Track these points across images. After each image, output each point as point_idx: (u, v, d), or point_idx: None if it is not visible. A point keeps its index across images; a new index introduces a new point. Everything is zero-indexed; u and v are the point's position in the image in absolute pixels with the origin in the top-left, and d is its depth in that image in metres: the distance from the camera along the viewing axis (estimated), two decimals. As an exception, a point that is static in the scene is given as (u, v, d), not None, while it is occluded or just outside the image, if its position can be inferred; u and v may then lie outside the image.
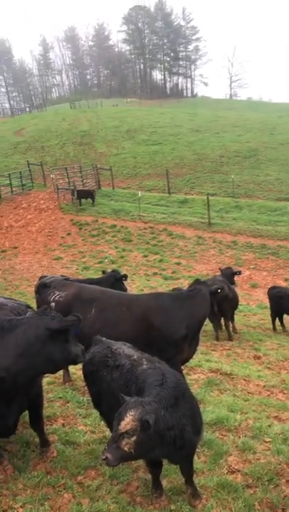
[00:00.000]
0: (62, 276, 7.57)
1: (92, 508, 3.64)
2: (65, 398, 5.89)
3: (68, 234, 23.59)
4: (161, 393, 3.47)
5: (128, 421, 3.18)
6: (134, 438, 3.16)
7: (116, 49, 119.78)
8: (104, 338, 4.56)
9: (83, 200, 27.35)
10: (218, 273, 12.29)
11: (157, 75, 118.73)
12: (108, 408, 4.22)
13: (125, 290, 9.23)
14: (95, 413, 5.01)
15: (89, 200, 27.54)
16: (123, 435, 3.16)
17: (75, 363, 4.19)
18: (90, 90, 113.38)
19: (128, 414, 3.20)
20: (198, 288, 5.98)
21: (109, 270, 10.53)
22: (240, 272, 12.54)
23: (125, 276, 9.53)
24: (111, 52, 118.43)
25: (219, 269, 12.81)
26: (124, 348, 4.30)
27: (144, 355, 4.19)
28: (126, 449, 3.16)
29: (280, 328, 11.78)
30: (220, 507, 3.74)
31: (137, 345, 5.27)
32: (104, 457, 3.16)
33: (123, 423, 3.18)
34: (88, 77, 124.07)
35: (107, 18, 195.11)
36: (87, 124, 51.58)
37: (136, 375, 3.87)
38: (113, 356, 4.18)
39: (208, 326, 10.25)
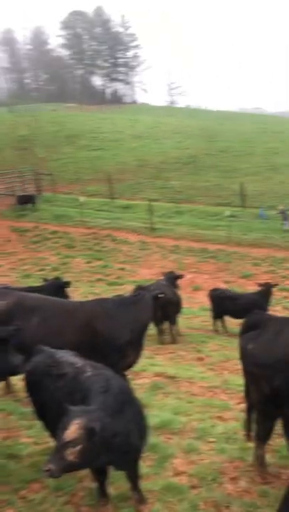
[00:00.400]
0: (1, 284, 7.35)
1: (36, 523, 3.54)
2: (7, 410, 5.70)
3: (8, 241, 22.90)
4: (106, 400, 3.45)
5: (73, 430, 3.12)
6: (78, 447, 3.11)
7: (55, 53, 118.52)
8: (46, 347, 4.47)
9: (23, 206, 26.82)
10: (162, 277, 12.45)
11: (97, 81, 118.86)
12: (52, 418, 4.14)
13: (68, 297, 9.12)
14: (39, 424, 4.89)
15: (29, 205, 27.03)
16: (67, 444, 3.10)
17: (15, 374, 4.08)
18: (29, 94, 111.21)
19: (73, 423, 3.14)
20: (141, 293, 6.06)
21: (50, 277, 10.37)
22: (182, 276, 12.78)
23: (68, 283, 9.42)
24: (50, 56, 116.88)
25: (162, 273, 12.98)
26: (68, 357, 4.24)
27: (88, 362, 4.15)
28: (70, 458, 3.10)
29: (222, 329, 12.10)
30: (166, 510, 3.77)
31: (82, 352, 5.21)
32: (46, 468, 3.07)
33: (68, 432, 3.12)
34: (26, 81, 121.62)
35: (46, 22, 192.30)
36: (25, 128, 50.54)
37: (80, 383, 3.82)
38: (56, 365, 4.11)
39: (152, 330, 10.32)
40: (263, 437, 4.40)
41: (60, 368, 4.05)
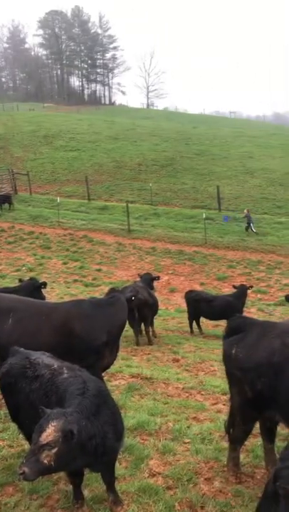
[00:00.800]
0: (-24, 285, 7.23)
1: (10, 526, 3.49)
2: (-20, 413, 5.60)
3: (-18, 241, 22.57)
4: (82, 402, 3.43)
5: (50, 432, 3.08)
6: (55, 450, 3.08)
7: (32, 53, 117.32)
8: (21, 349, 4.42)
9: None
10: (138, 279, 12.47)
11: (75, 82, 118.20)
12: (27, 420, 4.10)
13: (43, 298, 9.05)
14: (13, 426, 4.83)
15: (5, 205, 26.65)
16: (43, 447, 3.06)
17: None
18: (5, 93, 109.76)
19: (50, 425, 3.10)
20: (117, 295, 6.09)
21: (26, 278, 10.26)
22: (158, 278, 12.83)
23: (44, 284, 9.36)
24: (27, 55, 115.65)
25: (138, 275, 13.00)
26: (44, 358, 4.20)
27: (65, 363, 4.12)
28: (46, 461, 3.07)
29: (198, 330, 12.20)
30: (141, 511, 3.76)
31: (58, 354, 5.17)
32: (21, 471, 3.01)
33: (44, 434, 3.08)
34: (3, 79, 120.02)
35: (23, 20, 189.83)
36: (2, 127, 49.84)
37: (56, 385, 3.79)
38: (32, 367, 4.06)
39: (128, 331, 10.33)
40: (240, 439, 4.44)
41: (36, 370, 4.01)
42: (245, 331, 4.27)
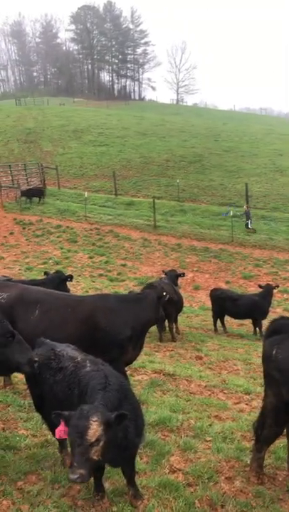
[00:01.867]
0: (3, 276, 7.36)
1: (31, 514, 3.56)
2: (5, 402, 5.72)
3: (11, 233, 22.94)
4: (105, 396, 3.45)
5: (95, 428, 3.07)
6: (101, 443, 3.10)
7: (64, 47, 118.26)
8: (47, 340, 4.48)
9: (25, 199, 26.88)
10: (163, 275, 12.45)
11: (105, 77, 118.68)
12: (50, 411, 4.15)
13: (68, 291, 9.13)
14: (37, 416, 4.91)
15: (35, 199, 27.08)
16: (92, 445, 3.06)
17: (19, 371, 4.13)
18: (37, 88, 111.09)
19: (91, 422, 3.09)
20: (146, 292, 6.04)
21: (52, 271, 10.37)
22: (183, 274, 12.78)
23: (71, 277, 9.43)
24: (59, 50, 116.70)
25: (163, 271, 12.98)
26: (68, 350, 4.24)
27: (88, 356, 4.15)
28: (95, 457, 3.08)
29: (222, 329, 12.12)
30: (161, 506, 3.78)
31: (82, 346, 5.22)
32: (77, 476, 2.98)
33: (90, 433, 3.06)
34: (35, 74, 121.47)
35: (55, 16, 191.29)
36: (32, 121, 50.55)
37: (79, 378, 3.82)
38: (56, 358, 4.11)
39: (152, 327, 10.34)
40: (269, 441, 4.38)
41: (60, 362, 4.06)
42: (287, 333, 4.22)
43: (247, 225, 23.80)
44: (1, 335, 4.00)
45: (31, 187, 28.70)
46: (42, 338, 4.55)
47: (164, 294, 6.19)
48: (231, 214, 23.59)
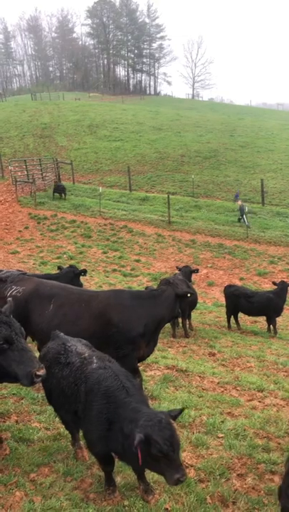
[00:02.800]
0: (18, 270, 7.42)
1: (44, 506, 3.60)
2: (19, 395, 5.79)
3: (26, 228, 23.13)
4: (133, 399, 3.56)
5: (177, 433, 3.34)
6: None
7: (80, 42, 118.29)
8: (61, 334, 4.50)
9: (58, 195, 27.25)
10: (176, 271, 12.42)
11: (121, 71, 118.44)
12: (58, 405, 4.21)
13: (81, 285, 9.17)
14: (50, 409, 4.96)
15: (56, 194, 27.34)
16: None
17: (18, 383, 3.83)
18: (52, 82, 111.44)
19: (173, 427, 3.30)
20: (162, 289, 5.93)
21: (65, 266, 10.43)
22: (197, 270, 12.74)
23: (84, 272, 9.48)
24: (74, 45, 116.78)
25: (177, 267, 12.95)
26: (78, 345, 4.25)
27: (96, 353, 4.16)
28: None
29: (235, 325, 12.07)
30: (172, 501, 3.79)
31: (95, 341, 5.25)
32: (183, 479, 3.21)
33: (177, 439, 3.29)
34: (50, 69, 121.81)
35: (72, 10, 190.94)
36: (48, 116, 50.72)
37: (86, 374, 3.84)
38: (65, 353, 4.13)
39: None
40: None
41: (68, 357, 4.08)
42: None
43: (240, 219, 23.95)
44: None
45: (60, 183, 28.94)
46: (57, 331, 4.58)
47: (188, 294, 6.08)
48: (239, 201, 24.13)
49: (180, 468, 3.19)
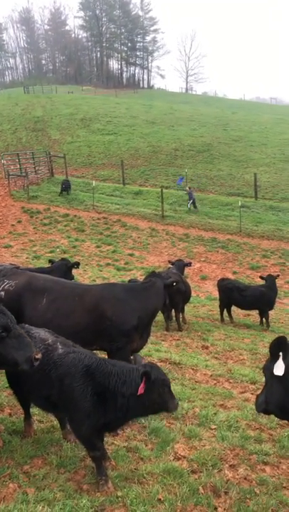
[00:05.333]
0: (11, 264, 7.39)
1: (37, 497, 3.62)
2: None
3: (19, 222, 23.03)
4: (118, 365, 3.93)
5: None
6: None
7: (72, 35, 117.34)
8: (26, 325, 4.46)
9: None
10: (170, 265, 12.44)
11: (114, 65, 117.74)
12: (24, 391, 4.39)
13: (72, 278, 9.13)
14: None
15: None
16: None
17: (17, 369, 3.81)
18: (45, 76, 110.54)
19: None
20: (152, 280, 5.99)
21: (56, 260, 10.38)
22: (190, 264, 12.77)
23: (77, 264, 9.45)
24: (67, 37, 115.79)
25: (169, 261, 12.94)
26: (42, 332, 4.32)
27: (60, 338, 4.26)
28: None
29: (228, 319, 12.13)
30: (165, 492, 3.82)
31: (89, 335, 5.28)
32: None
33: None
34: (43, 62, 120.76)
35: (64, 2, 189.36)
36: (41, 109, 50.37)
37: (54, 360, 3.94)
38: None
39: (159, 316, 10.38)
40: None
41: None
42: None
43: (189, 204, 24.88)
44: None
45: (67, 179, 28.52)
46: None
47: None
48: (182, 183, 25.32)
49: (174, 395, 3.93)
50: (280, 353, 3.38)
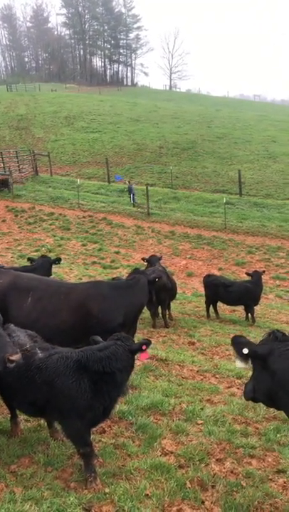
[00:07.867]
0: (-4, 263, 7.34)
1: (25, 496, 3.60)
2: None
3: (3, 221, 22.81)
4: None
5: None
6: None
7: (55, 32, 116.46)
8: (11, 325, 4.43)
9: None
10: (145, 262, 12.08)
11: (97, 62, 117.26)
12: (7, 396, 4.36)
13: (50, 275, 9.02)
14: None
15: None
16: None
17: None
18: (28, 73, 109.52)
19: None
20: (137, 277, 6.05)
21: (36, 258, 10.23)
22: (161, 257, 12.32)
23: (58, 260, 9.39)
24: (50, 35, 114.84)
25: (142, 258, 12.38)
26: (21, 336, 4.24)
27: (37, 343, 4.18)
28: None
29: (214, 315, 12.20)
30: (153, 487, 3.84)
31: (76, 334, 5.26)
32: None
33: None
34: (26, 59, 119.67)
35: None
36: (24, 108, 49.96)
37: (36, 366, 3.86)
38: None
39: (145, 313, 10.40)
40: None
41: None
42: None
43: (132, 199, 25.20)
44: None
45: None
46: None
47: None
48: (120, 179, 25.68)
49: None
50: (243, 350, 3.69)
